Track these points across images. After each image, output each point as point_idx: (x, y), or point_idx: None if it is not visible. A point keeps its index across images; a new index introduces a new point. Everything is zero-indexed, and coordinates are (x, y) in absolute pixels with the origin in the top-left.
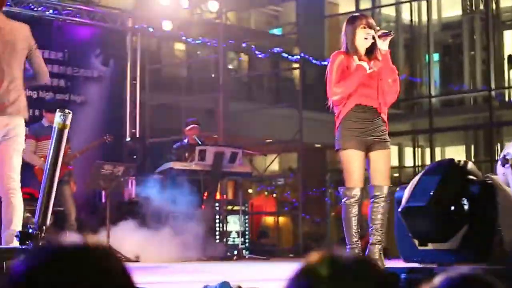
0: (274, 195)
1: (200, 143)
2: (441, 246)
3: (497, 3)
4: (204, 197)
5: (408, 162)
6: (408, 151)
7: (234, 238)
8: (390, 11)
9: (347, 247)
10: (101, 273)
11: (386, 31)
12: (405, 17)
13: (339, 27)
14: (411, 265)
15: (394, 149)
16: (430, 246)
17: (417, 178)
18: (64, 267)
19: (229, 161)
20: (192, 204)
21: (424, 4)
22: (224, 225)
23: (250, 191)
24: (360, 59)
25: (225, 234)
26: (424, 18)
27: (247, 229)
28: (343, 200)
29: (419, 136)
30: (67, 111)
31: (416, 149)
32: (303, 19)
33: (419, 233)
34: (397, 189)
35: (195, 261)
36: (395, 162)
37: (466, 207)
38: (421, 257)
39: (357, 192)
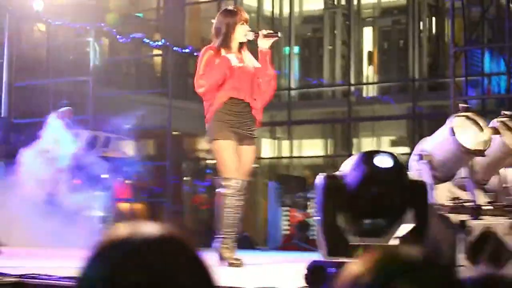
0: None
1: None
2: (371, 241)
3: None
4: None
5: (266, 153)
6: (266, 142)
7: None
8: (251, 2)
9: (217, 236)
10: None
11: (273, 32)
12: (267, 8)
13: (199, 15)
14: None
15: None
16: (357, 241)
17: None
18: (141, 265)
19: (103, 145)
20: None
21: None
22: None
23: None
24: (231, 53)
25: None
26: (286, 10)
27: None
28: (219, 190)
29: (277, 128)
30: None
31: (273, 140)
32: (165, 6)
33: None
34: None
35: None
36: None
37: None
38: (347, 252)
39: (235, 183)
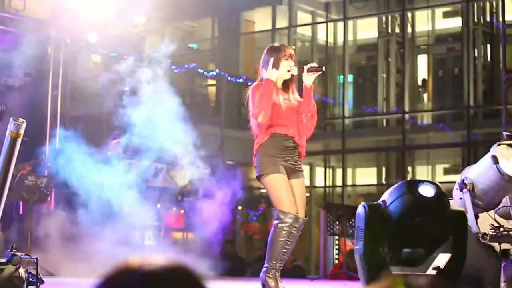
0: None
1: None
2: (409, 271)
3: (413, 27)
4: None
5: (319, 182)
6: (319, 171)
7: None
8: (306, 31)
9: (264, 266)
10: None
11: (317, 66)
12: (321, 37)
13: (254, 45)
14: None
15: (305, 169)
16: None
17: None
18: None
19: (153, 176)
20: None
21: (340, 25)
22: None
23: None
24: (277, 89)
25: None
26: (340, 39)
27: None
28: (276, 222)
29: (331, 157)
30: (21, 120)
31: (327, 169)
32: (220, 36)
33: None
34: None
35: None
36: (306, 182)
37: None
38: None
39: (290, 218)
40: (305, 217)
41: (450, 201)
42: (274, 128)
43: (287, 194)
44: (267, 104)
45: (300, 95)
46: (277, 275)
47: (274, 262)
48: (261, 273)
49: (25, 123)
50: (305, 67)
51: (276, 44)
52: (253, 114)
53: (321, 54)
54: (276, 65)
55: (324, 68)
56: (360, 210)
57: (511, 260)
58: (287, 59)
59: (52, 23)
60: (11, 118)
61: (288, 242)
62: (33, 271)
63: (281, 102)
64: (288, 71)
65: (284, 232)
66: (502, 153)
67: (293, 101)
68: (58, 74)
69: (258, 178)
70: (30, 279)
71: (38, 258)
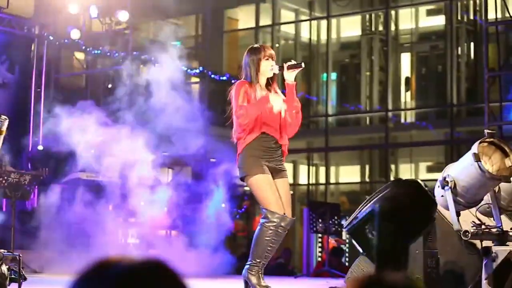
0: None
1: None
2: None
3: (396, 25)
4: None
5: (303, 179)
6: (303, 168)
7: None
8: (289, 29)
9: (247, 263)
10: None
11: (296, 63)
12: (304, 35)
13: (237, 42)
14: None
15: (289, 167)
16: None
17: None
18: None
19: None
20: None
21: (323, 23)
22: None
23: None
24: (261, 89)
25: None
26: (323, 37)
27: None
28: (263, 221)
29: (314, 154)
30: (3, 117)
31: (310, 167)
32: (203, 33)
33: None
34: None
35: None
36: (289, 180)
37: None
38: None
39: (278, 218)
40: (292, 216)
41: None
42: (258, 129)
43: (273, 194)
44: (255, 114)
45: (284, 93)
46: (260, 272)
47: (258, 260)
48: (244, 270)
49: (7, 120)
50: (285, 65)
51: (256, 45)
52: (237, 114)
53: (304, 52)
54: (257, 66)
55: (303, 65)
56: None
57: (492, 258)
58: (267, 59)
59: (36, 21)
60: None
61: (273, 240)
62: (16, 268)
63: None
64: (271, 70)
65: (270, 231)
66: (484, 150)
67: (277, 101)
68: (42, 71)
69: (242, 179)
70: (13, 276)
71: (21, 255)
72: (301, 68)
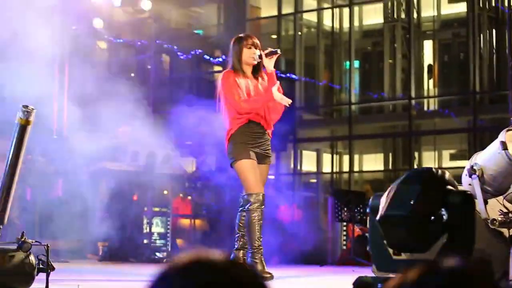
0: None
1: None
2: (418, 256)
3: (419, 12)
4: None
5: (326, 168)
6: (326, 157)
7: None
8: (312, 17)
9: (249, 251)
10: None
11: (273, 49)
12: (327, 23)
13: (260, 31)
14: (386, 275)
15: (312, 155)
16: (404, 256)
17: (394, 186)
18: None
19: (163, 162)
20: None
21: (346, 11)
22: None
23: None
24: (246, 77)
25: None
26: (346, 25)
27: (168, 231)
28: (246, 206)
29: (338, 143)
30: (30, 107)
31: (334, 155)
32: (225, 22)
33: (397, 242)
34: (371, 197)
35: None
36: (313, 168)
37: (445, 217)
38: (395, 267)
39: (259, 197)
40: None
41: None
42: (245, 116)
43: (255, 176)
44: (256, 108)
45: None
46: (262, 258)
47: (257, 244)
48: (248, 259)
49: (35, 110)
50: (262, 53)
51: (241, 34)
52: (237, 102)
53: (327, 40)
54: (239, 55)
55: (279, 51)
56: (371, 200)
57: None
58: (249, 48)
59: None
60: (21, 105)
61: (260, 218)
62: (44, 258)
63: (251, 89)
64: (253, 58)
65: (256, 212)
66: (511, 138)
67: (261, 88)
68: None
69: (231, 165)
70: (41, 266)
71: (49, 245)
72: (278, 55)
